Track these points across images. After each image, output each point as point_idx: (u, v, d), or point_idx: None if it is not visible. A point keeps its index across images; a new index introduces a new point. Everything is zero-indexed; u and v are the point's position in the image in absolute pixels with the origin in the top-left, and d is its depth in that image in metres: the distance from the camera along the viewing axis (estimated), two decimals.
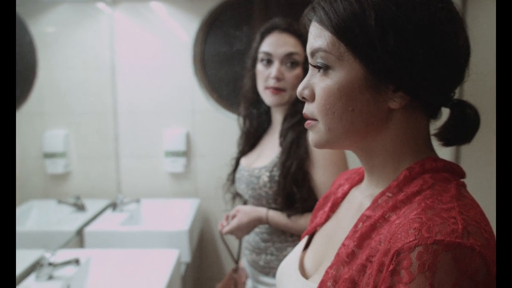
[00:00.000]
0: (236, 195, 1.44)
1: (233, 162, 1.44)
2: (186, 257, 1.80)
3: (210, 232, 2.33)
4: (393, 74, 0.52)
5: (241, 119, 1.43)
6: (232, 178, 1.42)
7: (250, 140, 1.41)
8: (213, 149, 2.26)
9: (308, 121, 0.59)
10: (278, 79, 1.25)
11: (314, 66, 0.57)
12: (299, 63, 1.26)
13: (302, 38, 1.25)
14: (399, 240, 0.46)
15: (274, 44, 1.26)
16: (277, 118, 1.33)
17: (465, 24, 0.56)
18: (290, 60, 1.25)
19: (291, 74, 1.25)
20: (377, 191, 0.59)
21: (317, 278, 0.60)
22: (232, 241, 1.44)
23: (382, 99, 0.54)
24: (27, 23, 1.68)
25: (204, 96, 2.24)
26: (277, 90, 1.25)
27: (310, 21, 0.58)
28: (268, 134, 1.39)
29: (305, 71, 1.23)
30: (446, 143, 0.58)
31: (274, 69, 1.25)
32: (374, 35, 0.51)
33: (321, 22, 0.55)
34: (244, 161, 1.39)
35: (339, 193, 0.72)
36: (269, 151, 1.31)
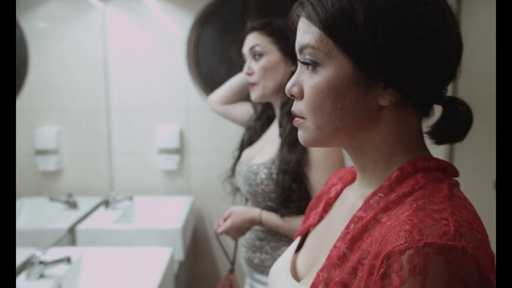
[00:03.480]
0: (236, 189, 1.43)
1: (235, 153, 1.45)
2: (179, 255, 1.79)
3: (203, 230, 2.32)
4: (382, 70, 0.51)
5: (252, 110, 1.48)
6: (233, 168, 1.43)
7: (253, 132, 1.44)
8: (207, 147, 2.24)
9: (296, 119, 0.58)
10: (249, 74, 1.29)
11: (303, 63, 0.56)
12: (262, 54, 1.28)
13: (266, 29, 1.29)
14: (389, 243, 0.45)
15: (245, 45, 1.32)
16: (277, 113, 1.34)
17: (457, 20, 0.55)
18: (253, 53, 1.29)
19: (257, 66, 1.28)
20: (368, 191, 0.58)
21: (308, 280, 0.59)
22: (228, 241, 1.43)
23: (372, 96, 0.53)
24: (18, 19, 1.65)
25: (197, 93, 2.22)
26: (251, 85, 1.30)
27: (299, 16, 0.57)
28: (270, 129, 1.39)
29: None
30: (438, 141, 0.58)
31: (245, 66, 1.31)
32: (363, 30, 0.50)
33: (309, 18, 0.54)
34: (245, 154, 1.39)
35: (332, 193, 0.71)
36: (269, 147, 1.30)
